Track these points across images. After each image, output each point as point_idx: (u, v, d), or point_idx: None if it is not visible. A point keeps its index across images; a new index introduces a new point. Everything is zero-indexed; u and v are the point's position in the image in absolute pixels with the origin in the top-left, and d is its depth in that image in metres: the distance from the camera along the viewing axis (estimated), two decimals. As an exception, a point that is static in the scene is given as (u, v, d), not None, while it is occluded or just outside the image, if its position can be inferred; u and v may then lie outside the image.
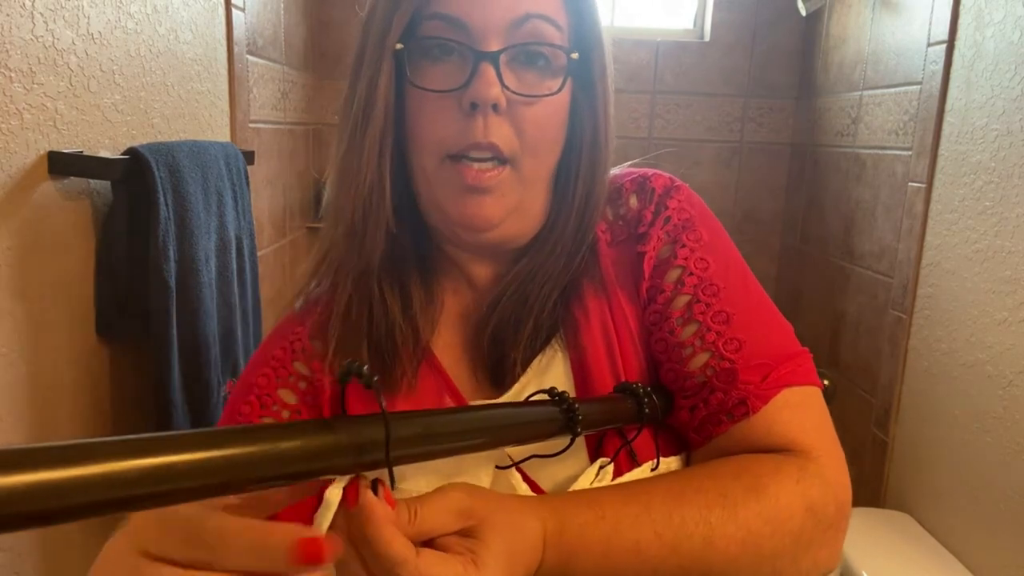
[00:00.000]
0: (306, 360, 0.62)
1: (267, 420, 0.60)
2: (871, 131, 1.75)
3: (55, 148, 0.86)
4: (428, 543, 0.43)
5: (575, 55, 0.58)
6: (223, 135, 1.40)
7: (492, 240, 0.60)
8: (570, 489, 0.55)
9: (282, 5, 1.77)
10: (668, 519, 0.49)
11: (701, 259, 0.60)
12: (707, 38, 2.22)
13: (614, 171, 0.65)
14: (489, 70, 0.54)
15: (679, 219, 0.61)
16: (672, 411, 0.60)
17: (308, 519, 0.39)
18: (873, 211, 1.72)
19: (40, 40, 0.83)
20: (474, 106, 0.54)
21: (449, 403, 0.60)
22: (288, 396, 0.61)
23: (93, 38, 0.94)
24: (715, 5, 2.20)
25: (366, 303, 0.60)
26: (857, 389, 1.76)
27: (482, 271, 0.64)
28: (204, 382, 1.08)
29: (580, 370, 0.59)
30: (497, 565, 0.43)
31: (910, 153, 1.56)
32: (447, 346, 0.63)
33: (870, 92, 1.76)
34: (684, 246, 0.60)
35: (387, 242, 0.60)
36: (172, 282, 0.99)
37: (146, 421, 1.05)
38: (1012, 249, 1.24)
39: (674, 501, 0.50)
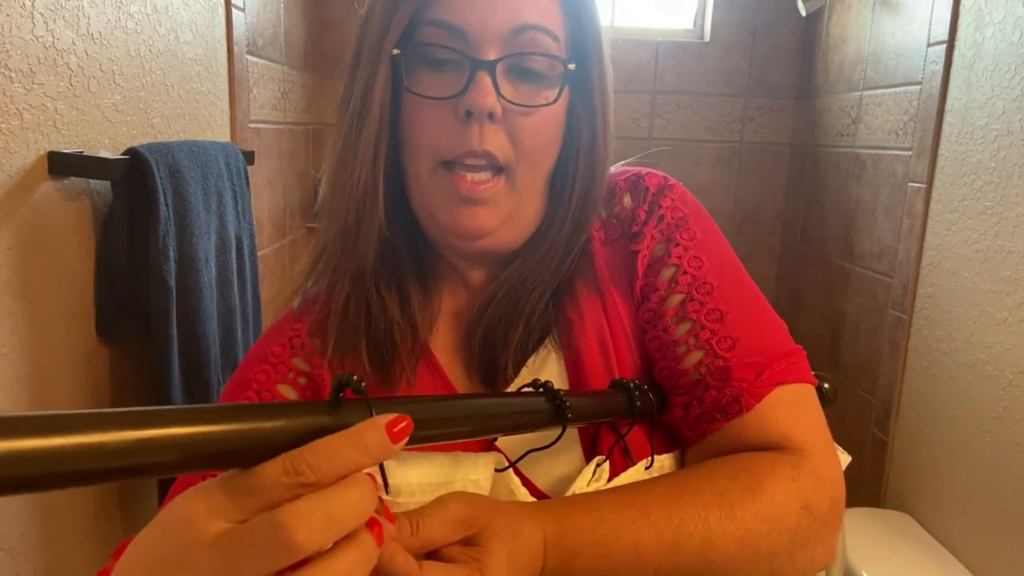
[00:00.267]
0: (306, 356, 0.62)
1: None
2: (871, 131, 1.75)
3: (55, 148, 0.86)
4: (430, 555, 0.43)
5: (572, 66, 0.58)
6: (223, 135, 1.40)
7: (484, 247, 0.60)
8: (569, 488, 0.56)
9: (282, 5, 1.77)
10: (667, 520, 0.50)
11: (695, 257, 0.60)
12: (707, 38, 2.22)
13: (609, 170, 0.65)
14: (485, 79, 0.54)
15: (673, 218, 0.62)
16: (666, 408, 0.60)
17: None
18: (873, 211, 1.72)
19: (40, 40, 0.83)
20: (469, 114, 0.54)
21: None
22: (288, 391, 0.61)
23: (93, 38, 0.94)
24: (715, 5, 2.20)
25: (363, 302, 0.60)
26: (857, 389, 1.76)
27: (476, 273, 0.64)
28: (204, 382, 1.08)
29: (574, 369, 0.60)
30: (501, 571, 0.43)
31: (910, 153, 1.56)
32: (444, 345, 0.63)
33: (870, 92, 1.76)
34: (678, 245, 0.61)
35: (380, 243, 0.60)
36: (172, 282, 0.99)
37: (146, 421, 1.05)
38: (1012, 249, 1.24)
39: (671, 503, 0.51)
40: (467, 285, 0.65)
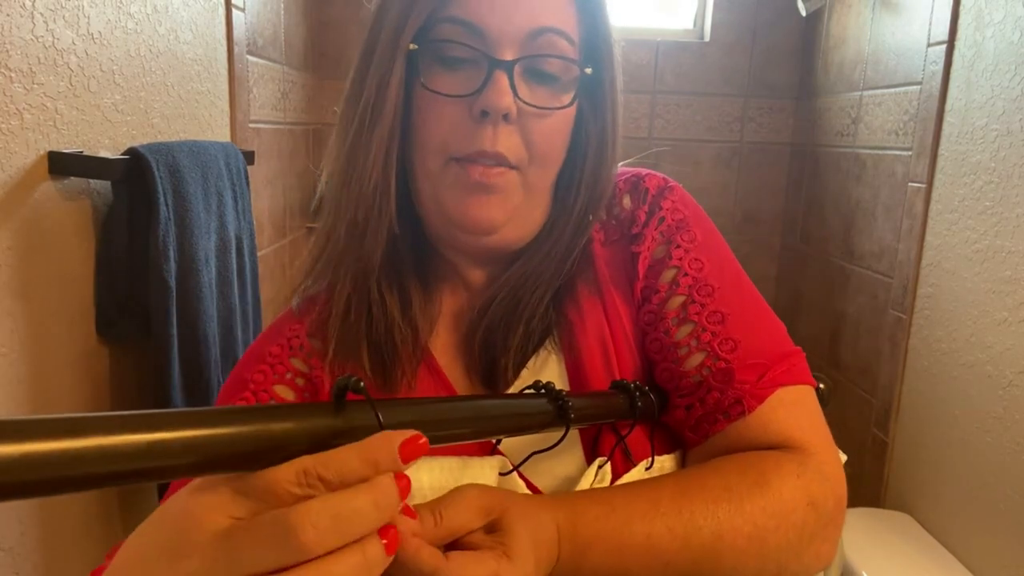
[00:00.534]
0: (304, 358, 0.62)
1: None
2: (871, 131, 1.75)
3: (55, 148, 0.86)
4: (452, 545, 0.43)
5: (588, 70, 0.58)
6: (223, 135, 1.40)
7: (489, 245, 0.60)
8: (572, 490, 0.56)
9: (282, 5, 1.77)
10: (677, 513, 0.50)
11: (695, 259, 0.60)
12: (707, 38, 2.22)
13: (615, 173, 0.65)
14: (503, 79, 0.54)
15: (673, 219, 0.61)
16: (666, 409, 0.60)
17: None
18: (873, 211, 1.72)
19: (40, 40, 0.83)
20: (485, 114, 0.54)
21: None
22: (285, 392, 0.61)
23: (93, 38, 0.94)
24: (715, 5, 2.20)
25: (365, 303, 0.60)
26: (857, 389, 1.76)
27: (477, 273, 0.64)
28: (204, 382, 1.08)
29: (575, 371, 0.60)
30: (527, 554, 0.43)
31: (910, 153, 1.56)
32: (444, 347, 0.63)
33: (870, 92, 1.76)
34: (679, 247, 0.61)
35: (389, 241, 0.59)
36: (172, 282, 0.99)
37: (146, 421, 1.05)
38: (1012, 249, 1.24)
39: (681, 496, 0.51)
40: (468, 286, 0.65)
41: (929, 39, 1.50)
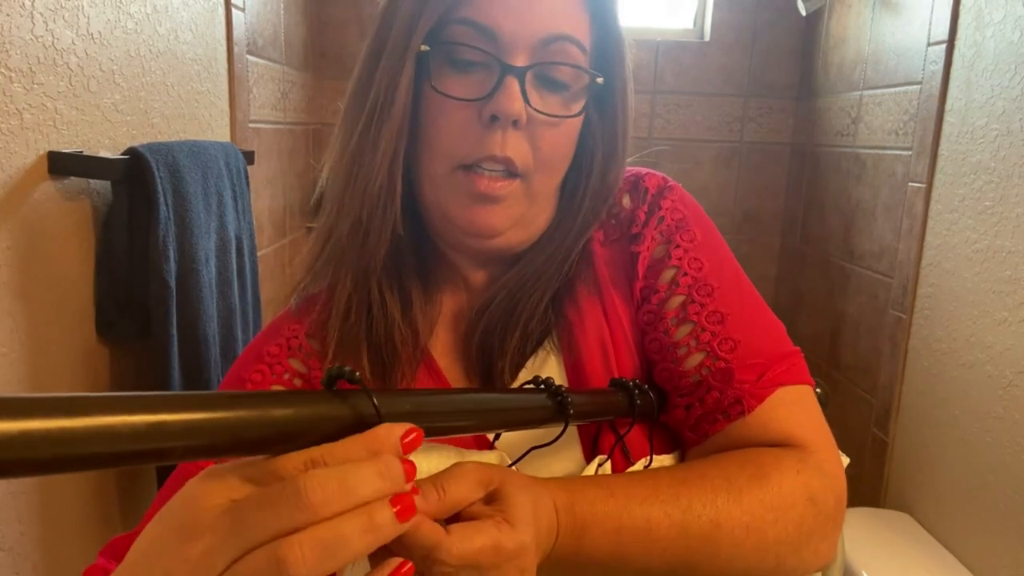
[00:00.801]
0: (303, 358, 0.61)
1: None
2: (871, 131, 1.75)
3: (55, 148, 0.86)
4: (453, 519, 0.43)
5: (600, 80, 0.57)
6: (223, 135, 1.40)
7: (493, 247, 0.60)
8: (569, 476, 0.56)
9: (282, 5, 1.77)
10: (676, 500, 0.50)
11: (695, 259, 0.60)
12: (707, 38, 2.22)
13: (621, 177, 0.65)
14: (514, 84, 0.53)
15: (672, 219, 0.61)
16: (666, 408, 0.60)
17: None
18: (873, 211, 1.72)
19: (40, 40, 0.83)
20: (494, 119, 0.54)
21: None
22: None
23: (93, 38, 0.94)
24: (715, 5, 2.20)
25: (365, 304, 0.60)
26: (857, 389, 1.76)
27: (478, 274, 0.64)
28: (204, 382, 1.08)
29: (574, 371, 0.60)
30: (527, 520, 0.43)
31: (910, 153, 1.56)
32: (444, 348, 0.63)
33: (870, 92, 1.76)
34: (678, 246, 0.61)
35: (391, 242, 0.59)
36: (172, 282, 0.99)
37: (146, 421, 1.05)
38: (1012, 249, 1.24)
39: (681, 485, 0.51)
40: (468, 286, 0.65)
41: (929, 39, 1.50)
